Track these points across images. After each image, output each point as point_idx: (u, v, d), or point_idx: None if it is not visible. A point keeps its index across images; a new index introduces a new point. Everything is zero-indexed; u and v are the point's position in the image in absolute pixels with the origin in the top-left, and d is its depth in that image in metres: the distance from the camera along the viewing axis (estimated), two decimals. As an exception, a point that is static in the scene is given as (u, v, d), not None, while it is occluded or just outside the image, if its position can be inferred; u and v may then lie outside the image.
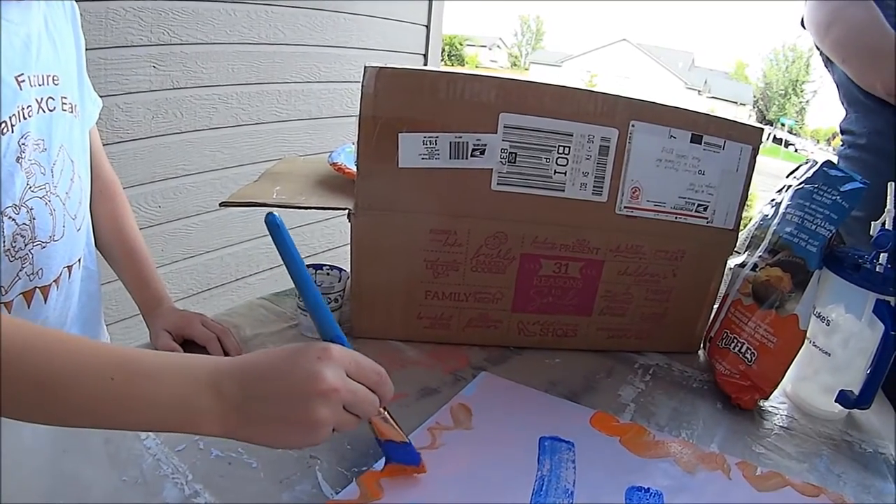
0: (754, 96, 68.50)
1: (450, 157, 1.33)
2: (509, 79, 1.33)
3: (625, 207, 1.43)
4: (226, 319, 1.54)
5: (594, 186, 1.40)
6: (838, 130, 2.09)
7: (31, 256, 1.22)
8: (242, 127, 3.19)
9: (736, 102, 62.95)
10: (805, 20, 1.96)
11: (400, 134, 1.31)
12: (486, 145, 1.33)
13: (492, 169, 1.35)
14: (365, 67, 1.30)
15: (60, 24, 1.31)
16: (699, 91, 62.14)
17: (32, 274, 1.24)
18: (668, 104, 1.42)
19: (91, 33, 2.44)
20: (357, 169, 1.36)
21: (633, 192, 1.42)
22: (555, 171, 1.37)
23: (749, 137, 1.47)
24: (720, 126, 1.44)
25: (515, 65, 79.37)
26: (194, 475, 1.03)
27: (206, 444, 1.10)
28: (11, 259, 1.18)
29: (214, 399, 0.83)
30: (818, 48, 1.98)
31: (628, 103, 1.37)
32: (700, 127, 1.42)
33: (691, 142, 1.42)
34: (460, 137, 1.32)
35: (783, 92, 67.11)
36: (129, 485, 1.01)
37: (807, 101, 68.56)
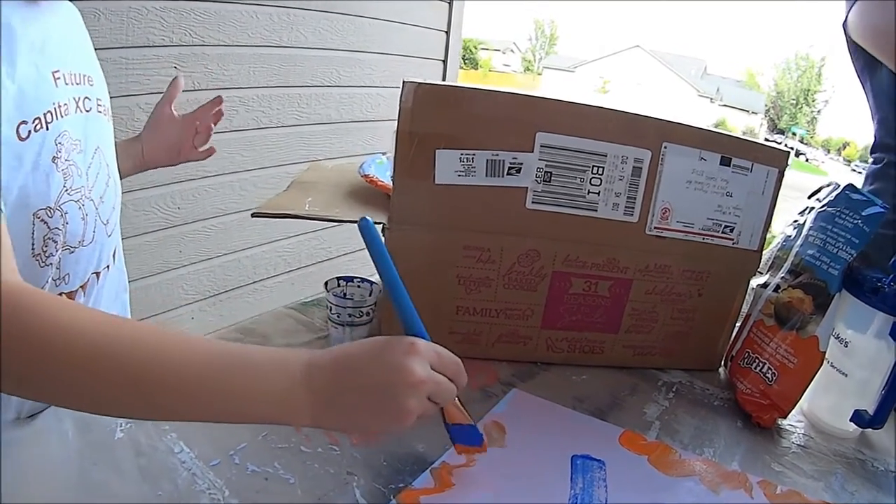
0: (766, 105, 68.29)
1: (486, 175, 1.34)
2: (547, 98, 1.34)
3: (655, 228, 1.43)
4: (253, 328, 1.55)
5: (626, 207, 1.40)
6: (872, 144, 2.04)
7: (59, 261, 1.20)
8: (262, 130, 3.20)
9: (748, 111, 62.84)
10: (856, 24, 1.85)
11: (437, 150, 1.31)
12: (522, 164, 1.34)
13: (527, 187, 1.36)
14: (403, 82, 1.30)
15: (83, 27, 1.32)
16: (711, 99, 61.92)
17: (59, 279, 1.22)
18: (699, 126, 1.43)
19: (112, 33, 2.46)
20: (393, 183, 1.37)
21: (664, 213, 1.42)
22: (588, 191, 1.38)
23: (775, 160, 1.48)
24: (748, 149, 1.45)
25: (529, 69, 79.20)
26: (231, 491, 1.04)
27: (241, 458, 1.11)
28: (42, 265, 1.16)
29: (308, 393, 0.88)
30: (855, 53, 1.92)
31: (661, 125, 1.38)
32: (729, 149, 1.43)
33: (720, 164, 1.43)
34: (497, 155, 1.33)
35: (795, 101, 66.92)
36: (164, 499, 1.01)
37: (818, 111, 68.36)
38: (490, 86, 1.40)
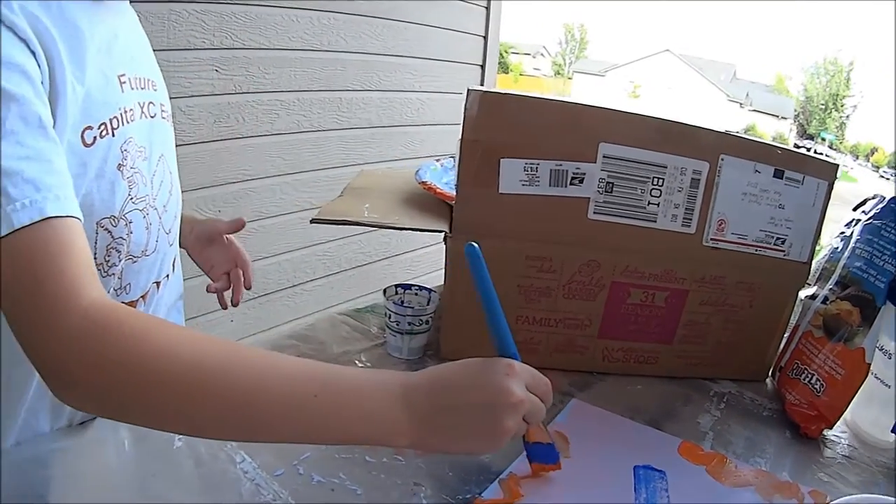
0: (795, 110, 67.71)
1: (549, 185, 1.34)
2: (610, 108, 1.35)
3: (711, 239, 1.44)
4: (308, 335, 1.56)
5: (684, 218, 1.41)
6: None
7: (121, 271, 1.18)
8: (303, 133, 3.20)
9: (777, 116, 62.23)
10: None
11: (502, 159, 1.32)
12: (584, 174, 1.34)
13: (589, 198, 1.37)
14: (468, 90, 1.31)
15: (143, 30, 1.31)
16: (741, 104, 61.48)
17: (120, 289, 1.20)
18: (754, 139, 1.44)
19: (153, 35, 2.43)
20: (456, 192, 1.38)
21: (720, 225, 1.43)
22: (648, 202, 1.38)
23: (825, 173, 1.49)
24: (800, 161, 1.46)
25: (559, 73, 78.65)
26: (297, 501, 1.03)
27: (305, 469, 1.10)
28: (104, 275, 1.13)
29: (406, 412, 0.88)
30: None
31: (719, 137, 1.39)
32: (782, 162, 1.43)
33: (774, 176, 1.43)
34: (560, 165, 1.33)
35: (823, 106, 66.31)
36: (228, 510, 1.01)
37: (847, 116, 67.69)
38: (553, 96, 1.40)
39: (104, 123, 1.05)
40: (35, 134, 0.86)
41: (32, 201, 0.81)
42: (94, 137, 1.04)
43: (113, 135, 1.08)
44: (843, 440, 1.43)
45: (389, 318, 1.47)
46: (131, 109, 1.14)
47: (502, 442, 0.91)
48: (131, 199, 1.14)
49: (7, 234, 0.79)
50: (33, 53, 0.90)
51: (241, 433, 0.89)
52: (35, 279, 0.79)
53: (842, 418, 1.42)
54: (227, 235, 1.66)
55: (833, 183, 1.50)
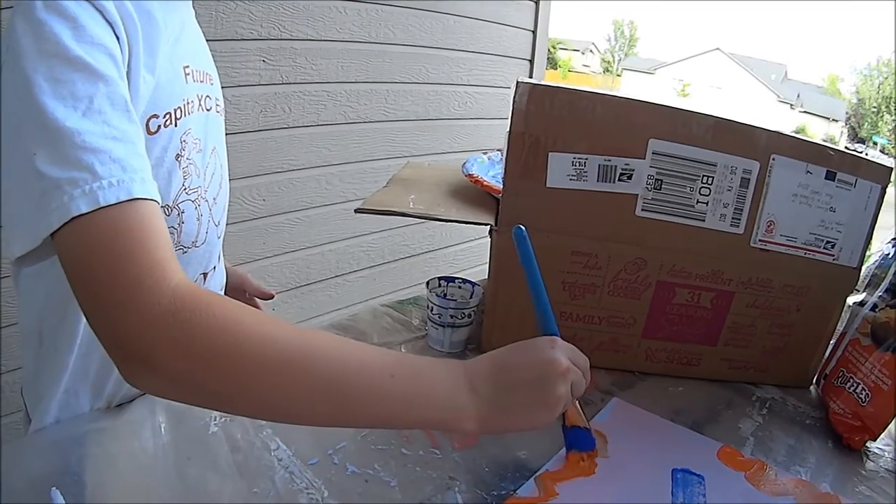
0: (847, 112, 66.78)
1: (597, 180, 1.34)
2: (661, 104, 1.33)
3: (759, 240, 1.42)
4: (350, 325, 1.57)
5: (733, 218, 1.39)
6: None
7: None
8: (349, 125, 3.20)
9: (828, 118, 61.46)
10: None
11: (550, 153, 1.31)
12: (633, 170, 1.33)
13: (637, 194, 1.35)
14: (517, 83, 1.30)
15: (198, 25, 1.32)
16: (791, 105, 60.79)
17: None
18: (806, 139, 1.42)
19: (201, 25, 2.45)
20: (503, 185, 1.37)
21: (769, 226, 1.41)
22: (697, 201, 1.37)
23: (878, 176, 1.46)
24: (853, 163, 1.43)
25: (608, 70, 78.33)
26: (330, 491, 1.04)
27: (340, 458, 1.11)
28: None
29: (472, 395, 0.91)
30: None
31: (770, 136, 1.37)
32: (835, 163, 1.41)
33: (825, 178, 1.41)
34: (609, 161, 1.32)
35: (876, 109, 65.28)
36: (261, 497, 1.02)
37: (899, 120, 66.61)
38: (604, 90, 1.39)
39: (169, 113, 1.08)
40: (121, 116, 0.88)
41: (120, 181, 0.82)
42: (159, 126, 1.06)
43: (175, 125, 1.10)
44: (886, 453, 1.40)
45: (431, 310, 1.47)
46: (191, 101, 1.17)
47: (558, 410, 0.94)
48: (185, 189, 1.16)
49: (90, 212, 0.79)
50: (118, 38, 0.93)
51: (328, 417, 0.89)
52: (120, 258, 0.79)
53: (886, 430, 1.40)
54: (247, 291, 1.70)
55: (886, 187, 1.47)
